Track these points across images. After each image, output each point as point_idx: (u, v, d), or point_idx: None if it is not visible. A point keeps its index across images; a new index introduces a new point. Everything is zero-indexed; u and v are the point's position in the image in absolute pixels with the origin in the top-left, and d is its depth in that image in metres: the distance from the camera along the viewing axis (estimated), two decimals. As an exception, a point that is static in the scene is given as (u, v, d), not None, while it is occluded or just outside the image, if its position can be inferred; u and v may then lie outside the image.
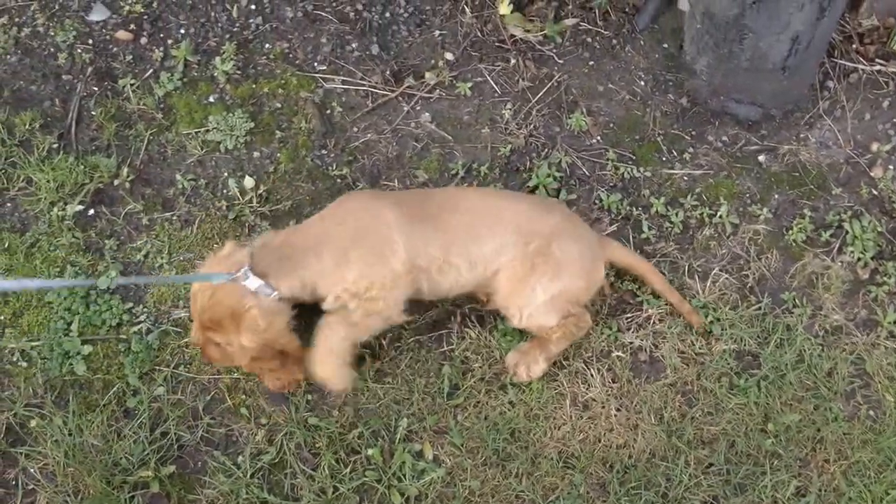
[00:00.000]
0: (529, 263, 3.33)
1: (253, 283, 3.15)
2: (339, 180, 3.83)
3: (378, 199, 3.35)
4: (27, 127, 3.98)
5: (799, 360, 3.60)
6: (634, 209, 3.80)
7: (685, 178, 3.89)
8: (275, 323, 3.19)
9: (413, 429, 3.48)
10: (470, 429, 3.47)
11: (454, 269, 3.33)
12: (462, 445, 3.45)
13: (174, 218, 3.82)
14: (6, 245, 3.81)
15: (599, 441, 3.49)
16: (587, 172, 3.84)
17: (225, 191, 3.84)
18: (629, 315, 3.66)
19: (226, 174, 3.87)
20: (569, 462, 3.46)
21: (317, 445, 3.45)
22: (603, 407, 3.53)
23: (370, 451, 3.43)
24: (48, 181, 3.86)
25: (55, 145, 3.97)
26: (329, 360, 3.28)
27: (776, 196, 3.88)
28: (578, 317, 3.42)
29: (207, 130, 3.95)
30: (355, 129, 3.94)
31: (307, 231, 3.32)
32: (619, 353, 3.60)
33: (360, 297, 3.24)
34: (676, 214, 3.80)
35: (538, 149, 3.88)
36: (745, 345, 3.61)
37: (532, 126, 3.94)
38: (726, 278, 3.73)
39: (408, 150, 3.87)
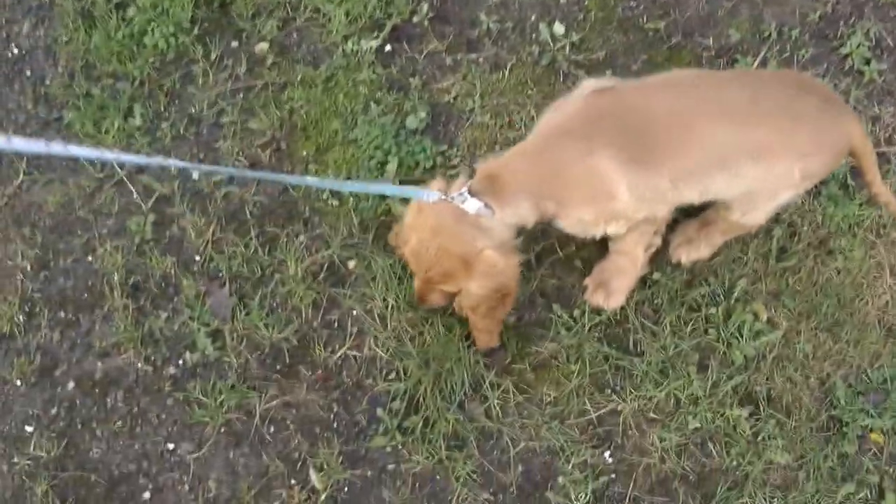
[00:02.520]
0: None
1: (472, 204, 2.85)
2: (651, 34, 3.71)
3: (592, 140, 2.86)
4: (310, -46, 3.74)
5: None
6: (941, 84, 3.75)
7: None
8: (510, 262, 2.95)
9: (747, 290, 3.41)
10: (801, 293, 3.43)
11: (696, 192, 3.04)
12: (794, 309, 3.40)
13: (481, 60, 3.65)
14: (300, 77, 3.60)
15: (917, 314, 3.49)
16: (892, 43, 3.77)
17: (534, 35, 3.67)
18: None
19: (533, 18, 3.69)
20: (892, 331, 3.44)
21: (655, 301, 3.36)
22: (920, 281, 3.51)
23: (711, 310, 3.36)
24: (340, 13, 3.63)
25: (340, -25, 3.73)
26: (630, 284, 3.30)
27: None
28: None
29: (510, -29, 3.76)
30: (665, -18, 3.79)
31: (529, 160, 2.94)
32: (938, 227, 3.57)
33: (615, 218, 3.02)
34: (979, 92, 3.76)
35: (846, 16, 3.79)
36: None
37: (840, -8, 3.85)
38: None
39: (719, 9, 3.76)
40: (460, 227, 2.87)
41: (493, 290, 2.95)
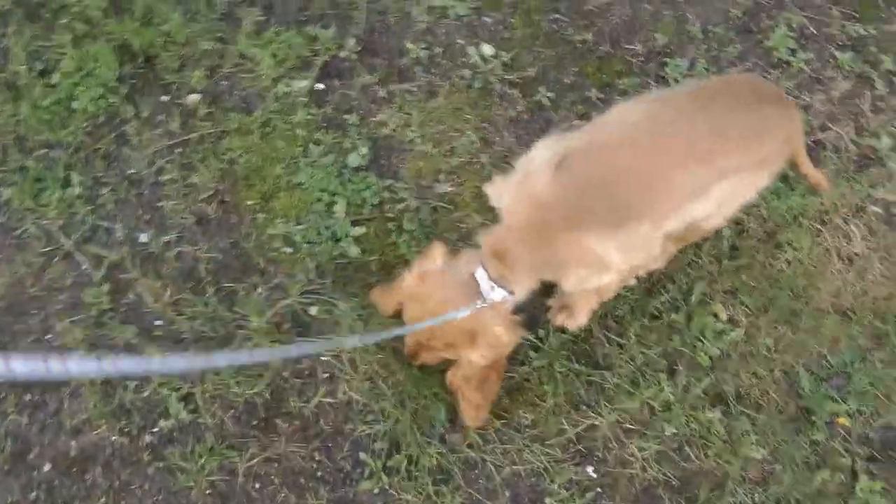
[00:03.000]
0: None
1: (499, 294, 2.91)
2: (579, 45, 3.74)
3: (577, 225, 2.88)
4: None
5: None
6: (866, 67, 3.85)
7: (904, 35, 3.95)
8: (513, 338, 3.02)
9: (705, 292, 3.48)
10: (756, 288, 3.50)
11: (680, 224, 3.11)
12: (751, 305, 3.48)
13: (414, 89, 3.65)
14: (236, 125, 3.56)
15: (867, 293, 3.59)
16: (815, 31, 3.86)
17: (464, 59, 3.68)
18: (874, 170, 3.73)
19: (461, 42, 3.70)
20: (847, 315, 3.54)
21: (617, 314, 3.41)
22: (866, 261, 3.61)
23: (673, 316, 3.42)
24: (266, 56, 3.60)
25: (261, 18, 3.70)
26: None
27: None
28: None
29: (431, -3, 3.76)
30: (585, -8, 3.82)
31: (528, 244, 2.94)
32: (875, 208, 3.68)
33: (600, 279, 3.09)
34: (905, 72, 3.87)
35: (767, 9, 3.87)
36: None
37: (760, -14, 3.92)
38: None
39: (641, 13, 3.80)
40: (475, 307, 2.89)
41: (491, 361, 2.99)
